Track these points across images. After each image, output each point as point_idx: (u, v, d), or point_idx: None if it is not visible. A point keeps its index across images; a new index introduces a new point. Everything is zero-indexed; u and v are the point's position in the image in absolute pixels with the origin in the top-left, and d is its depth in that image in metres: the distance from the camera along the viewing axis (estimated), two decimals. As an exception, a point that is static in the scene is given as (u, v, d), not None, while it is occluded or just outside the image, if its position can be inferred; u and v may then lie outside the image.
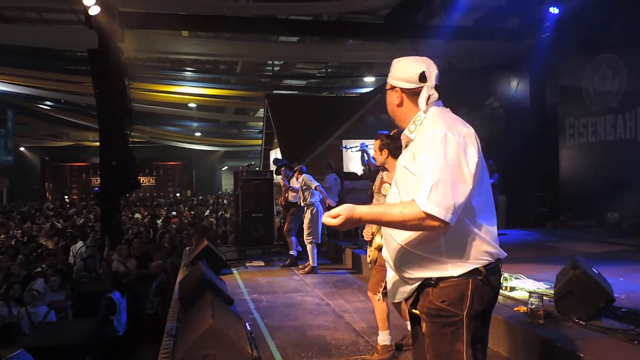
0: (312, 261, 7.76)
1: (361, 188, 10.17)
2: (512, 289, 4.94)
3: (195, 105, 24.88)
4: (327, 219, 1.95)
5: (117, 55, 10.69)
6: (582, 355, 3.24)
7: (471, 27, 12.52)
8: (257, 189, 9.23)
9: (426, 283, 2.02)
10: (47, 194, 34.70)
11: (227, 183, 35.49)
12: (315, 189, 7.84)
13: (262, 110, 18.06)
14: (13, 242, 12.16)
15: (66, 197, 33.67)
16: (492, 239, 2.03)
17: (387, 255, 2.17)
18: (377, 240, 4.07)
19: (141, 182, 15.05)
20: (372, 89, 17.70)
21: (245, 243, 9.19)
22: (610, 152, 9.99)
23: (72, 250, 10.35)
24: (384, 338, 4.07)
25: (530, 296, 4.09)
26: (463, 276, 1.96)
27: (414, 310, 2.12)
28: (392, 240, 2.10)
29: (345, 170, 12.26)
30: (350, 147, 8.43)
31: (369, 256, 4.23)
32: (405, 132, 2.14)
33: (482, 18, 12.49)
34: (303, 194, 7.95)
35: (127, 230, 13.09)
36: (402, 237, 2.04)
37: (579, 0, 10.72)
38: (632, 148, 9.44)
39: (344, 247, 8.57)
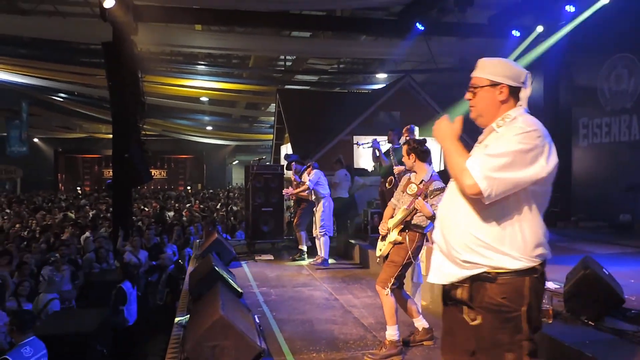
0: (323, 253, 7.78)
1: (372, 184, 10.17)
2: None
3: (207, 99, 24.96)
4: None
5: (131, 48, 10.76)
6: (591, 356, 3.23)
7: (485, 25, 12.44)
8: (268, 183, 9.26)
9: (483, 277, 2.10)
10: (60, 185, 35.08)
11: (237, 177, 35.62)
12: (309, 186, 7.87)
13: (274, 105, 18.07)
14: (26, 232, 12.33)
15: (78, 188, 34.03)
16: (546, 239, 2.14)
17: (441, 237, 2.24)
18: (393, 236, 4.13)
19: (152, 174, 15.14)
20: (384, 85, 17.65)
21: (255, 237, 9.24)
22: (624, 153, 9.90)
23: (81, 241, 10.47)
24: (392, 333, 4.09)
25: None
26: (521, 273, 2.06)
27: (469, 302, 2.17)
28: (454, 223, 2.18)
29: (355, 166, 12.26)
30: (362, 144, 8.43)
31: (380, 250, 4.26)
32: (492, 125, 2.21)
33: (496, 15, 12.39)
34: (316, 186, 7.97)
35: (137, 222, 13.21)
36: (468, 221, 2.13)
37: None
38: (646, 149, 9.35)
39: (353, 243, 8.59)
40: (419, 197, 4.03)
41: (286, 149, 15.57)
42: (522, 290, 2.06)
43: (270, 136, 19.59)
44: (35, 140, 32.43)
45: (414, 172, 4.28)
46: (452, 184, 2.28)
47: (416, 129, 7.13)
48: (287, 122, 15.39)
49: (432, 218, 3.98)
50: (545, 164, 2.04)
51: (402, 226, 4.13)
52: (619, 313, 3.94)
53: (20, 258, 8.12)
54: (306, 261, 8.13)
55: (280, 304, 5.75)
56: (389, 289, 4.06)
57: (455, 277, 2.17)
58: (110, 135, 11.25)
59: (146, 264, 9.12)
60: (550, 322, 3.93)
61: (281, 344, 4.40)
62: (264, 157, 9.93)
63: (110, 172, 17.37)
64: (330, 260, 8.10)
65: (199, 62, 20.45)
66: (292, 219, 9.09)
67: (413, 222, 4.12)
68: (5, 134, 27.02)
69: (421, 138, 4.39)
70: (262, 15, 12.38)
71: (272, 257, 8.60)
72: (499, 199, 2.02)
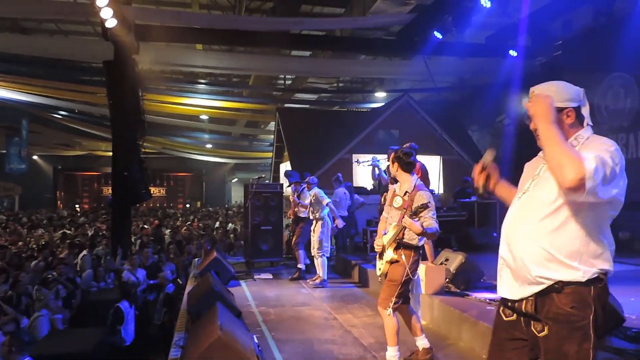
0: (322, 274, 7.75)
1: (372, 203, 10.17)
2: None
3: (207, 117, 25.08)
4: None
5: (132, 67, 10.85)
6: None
7: (483, 45, 12.57)
8: (267, 202, 9.26)
9: (550, 289, 2.15)
10: (59, 202, 35.01)
11: (237, 195, 35.59)
12: (327, 205, 7.86)
13: (273, 123, 18.14)
14: (25, 250, 12.26)
15: (77, 205, 33.96)
16: (611, 253, 2.21)
17: (509, 252, 2.28)
18: (389, 254, 4.10)
19: (152, 192, 15.15)
20: (383, 103, 17.76)
21: (253, 255, 9.21)
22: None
23: (78, 259, 10.42)
24: (392, 354, 4.05)
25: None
26: (587, 282, 2.13)
27: (535, 314, 2.21)
28: (522, 239, 2.23)
29: (354, 184, 12.27)
30: (362, 162, 8.45)
31: (379, 269, 4.23)
32: None
33: (493, 36, 12.53)
34: (312, 207, 7.97)
35: (136, 240, 13.16)
36: (537, 235, 2.18)
37: (590, 19, 10.73)
38: (644, 167, 9.37)
39: (352, 262, 8.56)
40: (405, 215, 4.00)
41: (286, 167, 15.59)
42: (588, 299, 2.12)
43: (270, 154, 19.62)
44: (35, 157, 32.45)
45: (397, 181, 4.28)
46: (515, 201, 2.36)
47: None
48: (286, 140, 15.44)
49: (423, 234, 3.97)
50: (624, 184, 2.15)
51: (396, 244, 4.10)
52: (620, 332, 3.91)
53: (16, 277, 8.08)
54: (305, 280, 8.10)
55: (279, 323, 5.70)
56: (390, 309, 4.03)
57: (527, 293, 2.22)
58: (110, 153, 11.28)
59: (144, 283, 9.07)
60: (602, 342, 3.90)
61: (280, 365, 4.37)
62: (263, 176, 9.94)
63: (110, 190, 17.37)
64: (329, 279, 8.06)
65: (200, 81, 20.59)
66: (291, 238, 9.07)
67: (405, 239, 4.09)
68: (4, 151, 27.06)
69: (406, 147, 4.44)
70: (262, 35, 12.51)
71: (271, 276, 8.56)
72: (569, 212, 2.12)
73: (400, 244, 4.10)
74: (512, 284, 2.28)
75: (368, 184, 12.07)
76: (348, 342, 4.99)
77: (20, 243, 13.27)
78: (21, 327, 6.27)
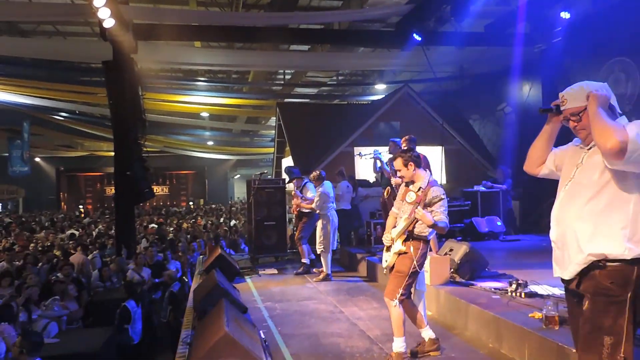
0: (326, 269, 7.76)
1: (375, 195, 10.17)
2: (527, 294, 4.91)
3: (208, 115, 25.10)
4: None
5: (131, 67, 10.84)
6: None
7: (482, 33, 12.51)
8: (270, 197, 9.26)
9: (594, 265, 2.30)
10: (62, 203, 35.12)
11: (239, 191, 35.64)
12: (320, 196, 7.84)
13: (274, 118, 18.13)
14: (30, 250, 12.31)
15: (81, 206, 34.06)
16: None
17: (559, 235, 2.48)
18: (397, 246, 4.13)
19: (155, 191, 15.19)
20: (383, 95, 17.72)
21: (258, 251, 9.22)
22: (624, 157, 9.89)
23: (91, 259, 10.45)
24: (399, 345, 4.06)
25: (545, 302, 4.07)
26: (631, 262, 2.25)
27: (578, 290, 2.39)
28: (571, 221, 2.41)
29: (357, 177, 12.27)
30: (365, 155, 8.43)
31: (386, 261, 4.25)
32: None
33: (492, 24, 12.47)
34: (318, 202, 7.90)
35: (141, 239, 13.21)
36: (585, 217, 2.36)
37: (590, 4, 10.67)
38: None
39: (357, 255, 8.56)
40: (419, 206, 4.03)
41: (287, 162, 15.60)
42: (630, 277, 2.24)
43: (271, 150, 19.62)
44: (37, 159, 32.53)
45: (413, 182, 4.26)
46: (562, 190, 2.53)
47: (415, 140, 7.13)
48: (287, 135, 15.43)
49: (433, 226, 3.99)
50: None
51: (405, 236, 4.13)
52: None
53: (24, 278, 8.14)
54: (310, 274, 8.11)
55: (285, 318, 5.72)
56: (397, 300, 4.05)
57: (575, 271, 2.37)
58: (112, 153, 11.29)
59: (149, 282, 9.10)
60: (557, 328, 3.91)
61: None
62: (265, 172, 9.95)
63: (113, 190, 17.42)
64: (334, 272, 8.08)
65: (199, 78, 20.59)
66: (294, 233, 9.08)
67: (415, 231, 4.11)
68: (7, 154, 27.14)
69: (406, 139, 4.38)
70: (260, 30, 12.48)
71: (276, 272, 8.57)
72: (614, 192, 2.30)
73: (409, 236, 4.12)
74: (562, 264, 2.46)
75: (370, 177, 12.05)
76: (354, 335, 5.00)
77: (32, 246, 13.33)
78: (31, 329, 6.30)
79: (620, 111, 2.54)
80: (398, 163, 4.24)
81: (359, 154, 8.61)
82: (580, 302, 2.41)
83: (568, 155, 2.63)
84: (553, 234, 2.53)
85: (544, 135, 2.77)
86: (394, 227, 4.28)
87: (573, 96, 2.53)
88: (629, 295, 2.22)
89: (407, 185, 4.35)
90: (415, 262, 4.06)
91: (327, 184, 8.03)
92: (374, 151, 7.99)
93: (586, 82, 2.53)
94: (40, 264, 9.85)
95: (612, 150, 2.19)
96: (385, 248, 4.32)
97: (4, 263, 9.91)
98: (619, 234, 2.27)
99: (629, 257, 2.24)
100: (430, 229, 4.10)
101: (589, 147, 2.50)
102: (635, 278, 2.23)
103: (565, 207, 2.47)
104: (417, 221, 4.06)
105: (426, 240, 4.17)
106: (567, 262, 2.42)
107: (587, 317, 2.31)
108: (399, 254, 4.14)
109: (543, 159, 2.75)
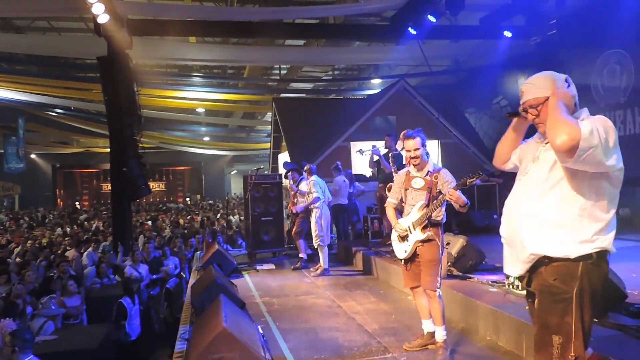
0: (323, 263, 7.77)
1: (372, 190, 10.18)
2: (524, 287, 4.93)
3: (204, 110, 25.00)
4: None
5: (126, 62, 10.78)
6: (595, 352, 3.22)
7: (477, 26, 12.50)
8: (267, 193, 9.27)
9: (539, 262, 2.26)
10: (59, 200, 35.02)
11: (236, 187, 35.60)
12: (311, 193, 7.85)
13: (270, 114, 18.10)
14: (27, 247, 12.29)
15: (77, 203, 33.98)
16: (611, 231, 2.26)
17: (510, 231, 2.41)
18: (419, 235, 4.06)
19: (151, 187, 15.14)
20: (379, 90, 17.71)
21: (255, 246, 9.23)
22: (620, 148, 9.92)
23: (83, 256, 10.44)
24: (441, 333, 4.10)
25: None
26: (577, 259, 2.19)
27: (529, 289, 2.37)
28: (520, 217, 2.34)
29: (353, 172, 12.28)
30: (365, 151, 8.37)
31: (405, 252, 4.17)
32: None
33: (487, 17, 12.45)
34: (309, 196, 7.98)
35: (138, 235, 13.19)
36: (534, 213, 2.28)
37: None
38: (642, 143, 9.38)
39: (354, 249, 8.58)
40: (448, 186, 3.91)
41: (284, 157, 15.58)
42: (575, 273, 2.18)
43: (268, 145, 19.59)
44: (33, 156, 32.40)
45: (419, 165, 4.19)
46: (517, 183, 2.48)
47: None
48: (283, 130, 15.42)
49: (465, 207, 3.80)
50: (620, 159, 2.21)
51: (425, 223, 4.05)
52: (622, 308, 3.94)
53: (24, 275, 8.12)
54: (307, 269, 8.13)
55: (283, 313, 5.73)
56: (439, 289, 4.06)
57: (522, 269, 2.35)
58: (108, 149, 11.25)
59: (147, 278, 9.10)
60: (594, 320, 3.93)
61: (286, 354, 4.39)
62: (262, 167, 9.92)
63: (109, 186, 17.40)
64: (332, 267, 8.10)
65: (194, 74, 20.50)
66: (291, 228, 9.09)
67: (433, 218, 4.06)
68: (2, 151, 27.02)
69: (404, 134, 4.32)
70: (255, 25, 12.42)
71: (273, 267, 8.59)
72: (565, 190, 2.21)
73: (428, 223, 4.06)
74: (511, 260, 2.42)
75: (367, 171, 12.06)
76: (352, 329, 5.02)
77: (29, 243, 13.30)
78: (22, 326, 6.29)
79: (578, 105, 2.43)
80: (416, 143, 4.11)
81: (359, 151, 8.55)
82: (534, 301, 2.36)
83: (528, 149, 2.56)
84: (502, 230, 2.48)
85: (510, 131, 2.66)
86: (396, 217, 4.24)
87: (533, 87, 2.42)
88: (574, 291, 2.15)
89: (405, 169, 4.33)
90: (440, 246, 4.06)
91: (317, 177, 8.05)
92: (373, 147, 7.98)
93: (549, 73, 2.44)
94: (38, 261, 9.83)
95: (561, 147, 2.09)
96: (398, 238, 4.25)
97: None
98: (564, 234, 2.21)
99: (572, 257, 2.19)
100: (444, 214, 4.10)
101: (546, 141, 2.42)
102: (581, 274, 2.17)
103: (516, 202, 2.42)
104: (436, 208, 3.98)
105: (442, 225, 4.15)
106: (515, 260, 2.38)
107: (537, 316, 2.26)
108: (423, 241, 4.06)
109: (509, 155, 2.68)
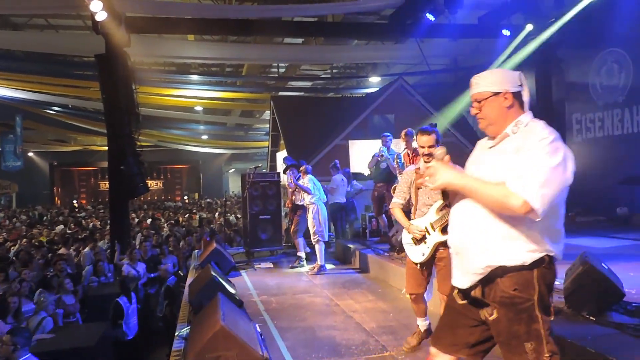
0: (320, 260, 7.78)
1: (369, 188, 10.18)
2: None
3: (202, 108, 24.99)
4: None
5: (124, 60, 10.75)
6: (593, 351, 3.23)
7: (476, 25, 12.50)
8: (265, 191, 9.25)
9: (494, 274, 2.21)
10: (56, 198, 34.96)
11: (234, 185, 35.59)
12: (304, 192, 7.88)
13: (268, 112, 18.09)
14: (23, 246, 12.27)
15: (75, 201, 33.93)
16: (561, 237, 2.27)
17: (458, 241, 2.34)
18: (438, 236, 3.84)
19: (149, 185, 15.11)
20: (378, 88, 17.69)
21: (253, 245, 9.22)
22: (618, 147, 9.95)
23: (81, 255, 10.44)
24: None
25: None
26: (530, 265, 2.18)
27: (482, 299, 2.28)
28: (468, 227, 2.27)
29: (351, 170, 12.29)
30: (383, 154, 8.06)
31: (423, 255, 3.94)
32: (507, 130, 2.31)
33: (486, 15, 12.46)
34: (302, 194, 8.00)
35: (136, 233, 13.17)
36: (482, 223, 2.22)
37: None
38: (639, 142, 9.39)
39: (352, 248, 8.58)
40: None
41: (282, 155, 15.57)
42: (531, 280, 2.17)
43: (266, 143, 19.58)
44: (30, 154, 32.34)
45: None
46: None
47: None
48: (282, 128, 15.41)
49: None
50: (572, 168, 2.15)
51: (446, 224, 3.73)
52: (620, 307, 3.94)
53: (20, 273, 8.11)
54: (305, 268, 8.12)
55: (281, 312, 5.73)
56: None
57: (475, 279, 2.27)
58: (106, 147, 11.23)
59: (144, 277, 9.09)
60: (552, 318, 3.92)
61: (283, 353, 4.39)
62: (260, 165, 9.92)
63: (107, 185, 17.34)
64: (329, 266, 8.10)
65: (193, 72, 20.48)
66: (289, 226, 9.09)
67: None
68: (-1, 149, 27.01)
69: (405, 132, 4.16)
70: (254, 23, 12.41)
71: (271, 265, 8.59)
72: None
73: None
74: (461, 271, 2.35)
75: (365, 170, 12.06)
76: (350, 328, 5.01)
77: (24, 241, 13.28)
78: (20, 325, 6.27)
79: (529, 109, 2.37)
80: (431, 139, 3.91)
81: (380, 155, 8.08)
82: (479, 307, 2.31)
83: (475, 151, 2.50)
84: (451, 239, 2.42)
85: None
86: (415, 218, 4.03)
87: (481, 82, 2.38)
88: (535, 298, 2.17)
89: (412, 167, 4.22)
90: None
91: (312, 177, 8.07)
92: (380, 149, 7.86)
93: (502, 70, 2.40)
94: (36, 259, 9.82)
95: (522, 214, 2.07)
96: (412, 241, 4.01)
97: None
98: (517, 242, 2.18)
99: (527, 263, 2.17)
100: None
101: (490, 146, 2.36)
102: (537, 280, 2.18)
103: (462, 211, 2.34)
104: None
105: None
106: (465, 271, 2.31)
107: (500, 328, 2.23)
108: (443, 244, 3.78)
109: None
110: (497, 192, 2.11)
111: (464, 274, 2.32)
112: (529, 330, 2.17)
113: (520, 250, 2.17)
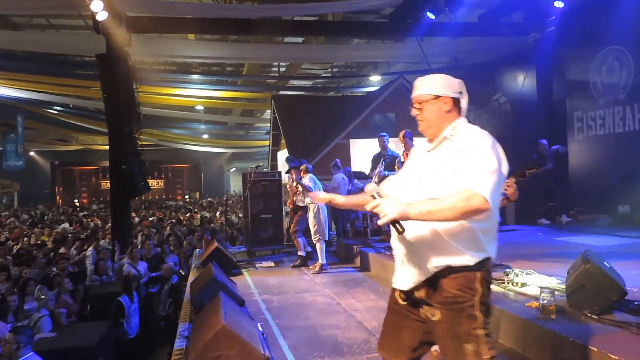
0: (321, 259, 7.78)
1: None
2: (523, 284, 4.93)
3: (203, 108, 24.99)
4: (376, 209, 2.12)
5: (125, 60, 10.76)
6: (595, 350, 3.23)
7: (476, 23, 12.49)
8: (266, 190, 9.26)
9: (439, 275, 2.24)
10: (58, 197, 35.00)
11: (235, 184, 35.61)
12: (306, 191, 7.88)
13: (269, 111, 18.10)
14: (24, 245, 12.29)
15: (76, 200, 33.98)
16: (496, 240, 2.33)
17: (400, 244, 2.36)
18: None
19: (150, 185, 15.14)
20: (378, 87, 17.67)
21: (254, 244, 9.23)
22: (619, 145, 9.92)
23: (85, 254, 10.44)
24: None
25: (541, 291, 4.08)
26: (473, 267, 2.21)
27: (425, 299, 2.30)
28: (411, 230, 2.25)
29: (352, 169, 12.28)
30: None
31: None
32: (445, 134, 2.36)
33: (486, 14, 12.44)
34: (302, 194, 8.00)
35: (138, 232, 13.18)
36: (425, 226, 2.23)
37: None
38: (641, 140, 9.38)
39: (353, 246, 8.58)
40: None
41: (283, 154, 15.57)
42: (473, 282, 2.21)
43: (267, 142, 19.58)
44: (32, 153, 32.39)
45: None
46: (405, 189, 2.42)
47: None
48: (283, 127, 15.42)
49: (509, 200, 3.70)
50: (507, 168, 2.24)
51: None
52: (622, 305, 3.93)
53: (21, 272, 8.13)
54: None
55: (282, 310, 5.73)
56: None
57: (418, 281, 2.30)
58: (107, 147, 11.24)
59: (145, 276, 9.10)
60: (554, 317, 3.92)
61: (285, 352, 4.39)
62: (261, 164, 9.92)
63: (108, 184, 17.39)
64: (331, 264, 8.10)
65: (193, 71, 20.48)
66: (290, 226, 9.09)
67: None
68: (1, 148, 27.01)
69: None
70: (254, 22, 12.40)
71: (272, 264, 8.59)
72: None
73: None
74: (404, 272, 2.37)
75: (366, 169, 12.06)
76: (352, 327, 5.01)
77: (25, 240, 13.31)
78: (21, 324, 6.29)
79: (465, 115, 2.44)
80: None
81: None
82: (421, 307, 2.34)
83: (414, 152, 2.54)
84: (393, 242, 2.43)
85: None
86: None
87: (423, 84, 2.45)
88: (476, 299, 2.20)
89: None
90: None
91: (313, 175, 8.13)
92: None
93: (444, 76, 2.45)
94: (39, 258, 9.83)
95: (484, 212, 2.11)
96: None
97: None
98: (460, 243, 2.20)
99: (471, 264, 2.21)
100: None
101: (429, 149, 2.41)
102: (479, 281, 2.22)
103: None
104: None
105: None
106: (409, 273, 2.33)
107: (442, 329, 2.26)
108: None
109: None
110: (457, 199, 2.08)
111: (409, 276, 2.33)
112: (469, 331, 2.19)
113: (465, 252, 2.20)
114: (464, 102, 2.43)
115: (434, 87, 2.41)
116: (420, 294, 2.31)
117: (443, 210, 2.07)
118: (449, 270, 2.22)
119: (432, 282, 2.26)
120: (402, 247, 2.36)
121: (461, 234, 2.20)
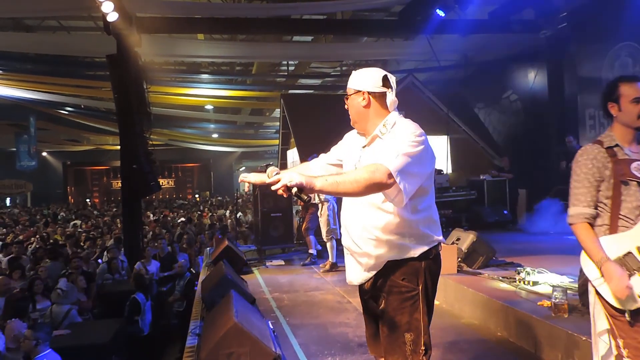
0: (332, 257, 7.79)
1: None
2: (535, 283, 4.92)
3: (212, 107, 25.06)
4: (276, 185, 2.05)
5: (135, 60, 10.83)
6: (607, 348, 3.21)
7: (486, 20, 12.42)
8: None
9: (387, 267, 2.30)
10: (70, 197, 35.34)
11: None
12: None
13: (278, 110, 18.10)
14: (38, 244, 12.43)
15: (88, 200, 34.29)
16: (439, 227, 2.40)
17: (350, 241, 2.40)
18: None
19: (161, 184, 15.19)
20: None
21: (264, 242, 9.26)
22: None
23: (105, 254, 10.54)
24: None
25: (553, 290, 4.07)
26: (418, 258, 2.29)
27: (374, 288, 2.38)
28: (359, 227, 2.33)
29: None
30: None
31: None
32: (376, 132, 2.36)
33: (496, 10, 12.37)
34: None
35: (148, 232, 13.28)
36: (371, 222, 2.28)
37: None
38: (654, 138, 9.27)
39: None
40: None
41: (292, 153, 15.58)
42: (418, 271, 2.28)
43: (276, 141, 19.57)
44: (44, 154, 32.68)
45: None
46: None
47: None
48: (292, 126, 15.40)
49: None
50: (432, 165, 2.28)
51: None
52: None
53: (37, 271, 8.22)
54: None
55: (293, 309, 5.76)
56: None
57: (369, 275, 2.36)
58: (118, 147, 11.32)
59: (157, 274, 9.16)
60: (566, 316, 3.91)
61: (296, 349, 4.41)
62: (271, 163, 9.95)
63: (119, 184, 17.53)
64: (341, 263, 8.11)
65: (203, 71, 20.54)
66: (301, 224, 9.10)
67: None
68: (14, 149, 27.29)
69: None
70: (263, 21, 12.43)
71: (283, 263, 8.62)
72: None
73: None
74: (355, 269, 2.42)
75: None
76: (362, 325, 4.99)
77: (36, 237, 13.46)
78: (38, 321, 6.38)
79: (396, 109, 2.44)
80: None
81: None
82: (373, 302, 2.42)
83: (351, 147, 2.55)
84: (343, 240, 2.49)
85: None
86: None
87: (352, 78, 2.46)
88: (420, 288, 2.25)
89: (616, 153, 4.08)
90: None
91: None
92: None
93: (366, 70, 2.45)
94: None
95: (386, 192, 2.13)
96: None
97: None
98: (404, 234, 2.25)
99: (416, 255, 2.27)
100: None
101: (363, 145, 2.42)
102: (424, 271, 2.28)
103: (349, 212, 2.41)
104: None
105: None
106: (360, 269, 2.38)
107: (385, 318, 2.31)
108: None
109: None
110: (362, 172, 2.09)
111: (358, 271, 2.39)
112: (411, 319, 2.24)
113: (408, 245, 2.26)
114: (390, 97, 2.39)
115: (355, 81, 2.43)
116: (368, 285, 2.38)
117: (349, 181, 2.05)
118: (396, 263, 2.27)
119: (381, 274, 2.31)
120: (350, 242, 2.40)
121: (403, 228, 2.24)
